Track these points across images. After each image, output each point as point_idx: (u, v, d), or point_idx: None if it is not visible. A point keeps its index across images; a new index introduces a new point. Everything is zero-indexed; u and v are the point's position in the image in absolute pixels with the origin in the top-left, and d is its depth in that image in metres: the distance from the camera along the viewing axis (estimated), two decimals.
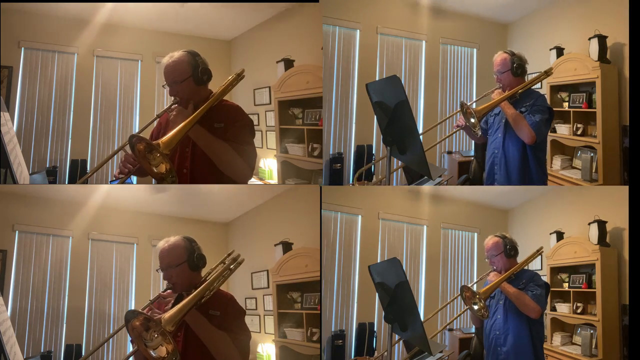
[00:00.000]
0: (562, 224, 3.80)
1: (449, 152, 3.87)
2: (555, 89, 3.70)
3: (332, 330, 3.61)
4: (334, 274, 3.66)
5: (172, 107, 2.74)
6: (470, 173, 3.71)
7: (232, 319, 2.68)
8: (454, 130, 3.40)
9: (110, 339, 3.70)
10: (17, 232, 3.68)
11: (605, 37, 3.45)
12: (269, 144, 3.80)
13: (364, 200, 3.78)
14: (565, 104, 3.67)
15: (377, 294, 2.98)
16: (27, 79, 3.61)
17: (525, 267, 3.24)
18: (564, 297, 3.78)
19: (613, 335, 3.45)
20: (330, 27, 3.58)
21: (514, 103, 3.15)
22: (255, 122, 3.80)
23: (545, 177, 3.26)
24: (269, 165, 3.76)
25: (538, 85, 3.32)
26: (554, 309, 3.80)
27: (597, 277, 3.53)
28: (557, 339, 3.77)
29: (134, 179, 3.23)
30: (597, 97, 3.46)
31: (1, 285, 3.59)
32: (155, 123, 2.92)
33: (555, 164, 3.73)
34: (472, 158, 3.74)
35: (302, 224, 3.58)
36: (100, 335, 3.80)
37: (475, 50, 3.97)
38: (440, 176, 3.43)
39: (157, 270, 2.69)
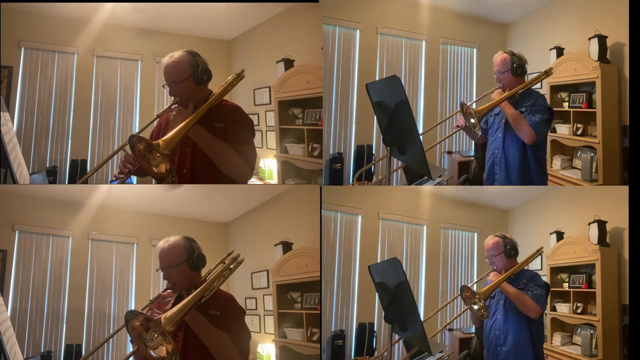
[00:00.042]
0: (562, 224, 3.79)
1: (449, 152, 3.87)
2: (555, 89, 3.70)
3: (332, 330, 3.61)
4: (334, 274, 3.66)
5: (172, 107, 2.74)
6: (470, 173, 3.71)
7: (232, 318, 2.67)
8: (454, 130, 3.40)
9: (110, 339, 3.69)
10: (17, 232, 3.68)
11: (605, 37, 3.44)
12: (269, 144, 3.80)
13: (364, 200, 3.78)
14: (565, 104, 3.67)
15: (377, 294, 2.98)
16: (27, 79, 3.61)
17: (525, 267, 3.24)
18: (564, 297, 3.78)
19: (613, 335, 3.45)
20: (330, 27, 3.58)
21: (514, 103, 3.15)
22: (255, 122, 3.80)
23: (545, 177, 3.26)
24: (269, 165, 3.76)
25: (538, 85, 3.32)
26: (554, 309, 3.79)
27: (597, 277, 3.53)
28: (557, 339, 3.77)
29: (134, 179, 3.23)
30: (597, 97, 3.46)
31: (1, 285, 3.59)
32: (155, 123, 2.92)
33: (555, 164, 3.73)
34: (472, 158, 3.74)
35: (302, 224, 3.58)
36: (100, 335, 3.79)
37: (475, 50, 3.96)
38: (440, 176, 3.43)
39: (157, 270, 2.69)
